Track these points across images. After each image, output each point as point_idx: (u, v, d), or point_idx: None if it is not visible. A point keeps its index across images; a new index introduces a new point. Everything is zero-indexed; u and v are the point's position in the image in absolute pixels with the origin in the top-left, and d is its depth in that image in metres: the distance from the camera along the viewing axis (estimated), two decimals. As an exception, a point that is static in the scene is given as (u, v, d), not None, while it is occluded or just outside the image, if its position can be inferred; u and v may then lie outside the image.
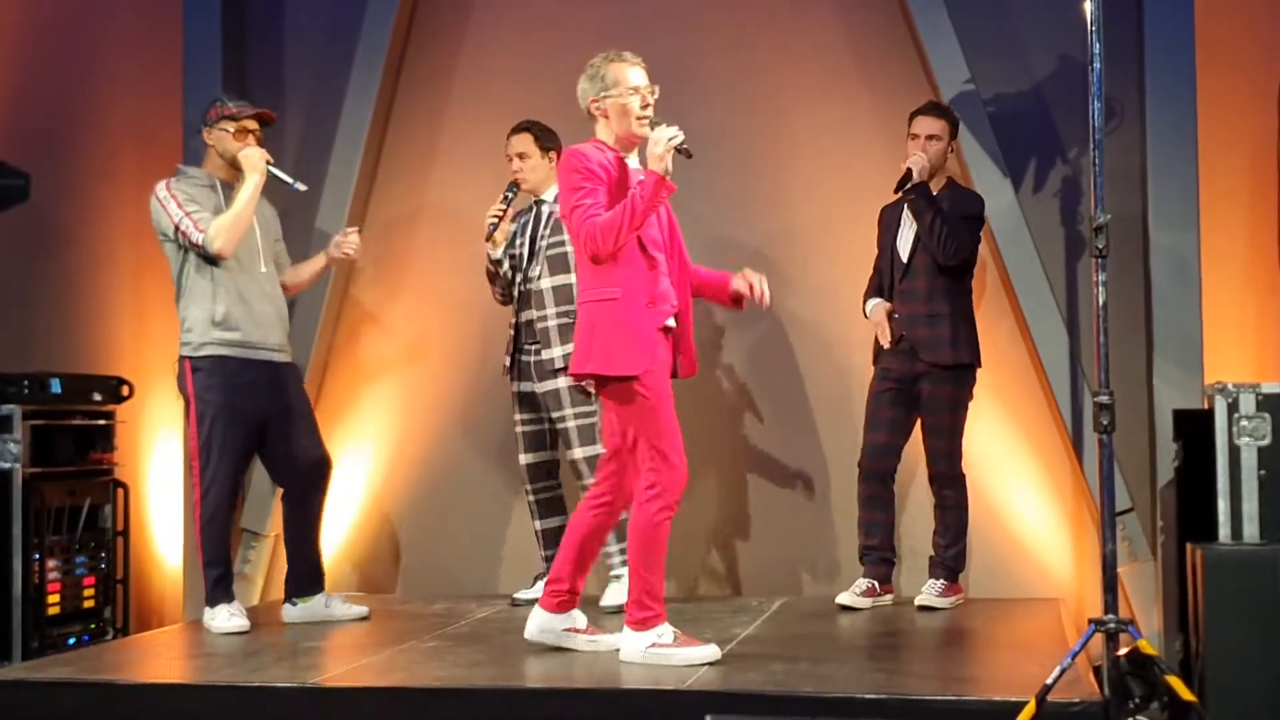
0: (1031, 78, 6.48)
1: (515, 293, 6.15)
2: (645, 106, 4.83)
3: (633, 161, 4.89)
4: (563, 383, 5.97)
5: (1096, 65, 4.48)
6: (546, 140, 6.15)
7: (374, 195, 7.03)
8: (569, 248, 5.96)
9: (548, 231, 6.06)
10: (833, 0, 6.73)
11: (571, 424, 5.99)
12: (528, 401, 6.16)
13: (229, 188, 5.69)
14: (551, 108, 6.32)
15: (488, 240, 6.09)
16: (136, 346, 7.12)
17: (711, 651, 4.68)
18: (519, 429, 6.20)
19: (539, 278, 6.03)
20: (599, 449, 5.99)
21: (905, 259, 5.94)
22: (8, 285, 6.56)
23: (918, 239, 5.89)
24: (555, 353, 5.96)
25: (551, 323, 5.99)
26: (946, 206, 5.87)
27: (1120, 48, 6.03)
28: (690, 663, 4.61)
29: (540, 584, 6.17)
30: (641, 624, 4.70)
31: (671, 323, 4.82)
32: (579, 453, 6.00)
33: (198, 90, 6.74)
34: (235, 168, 5.69)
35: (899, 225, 5.98)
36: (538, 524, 6.22)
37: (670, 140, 4.66)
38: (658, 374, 4.71)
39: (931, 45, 6.41)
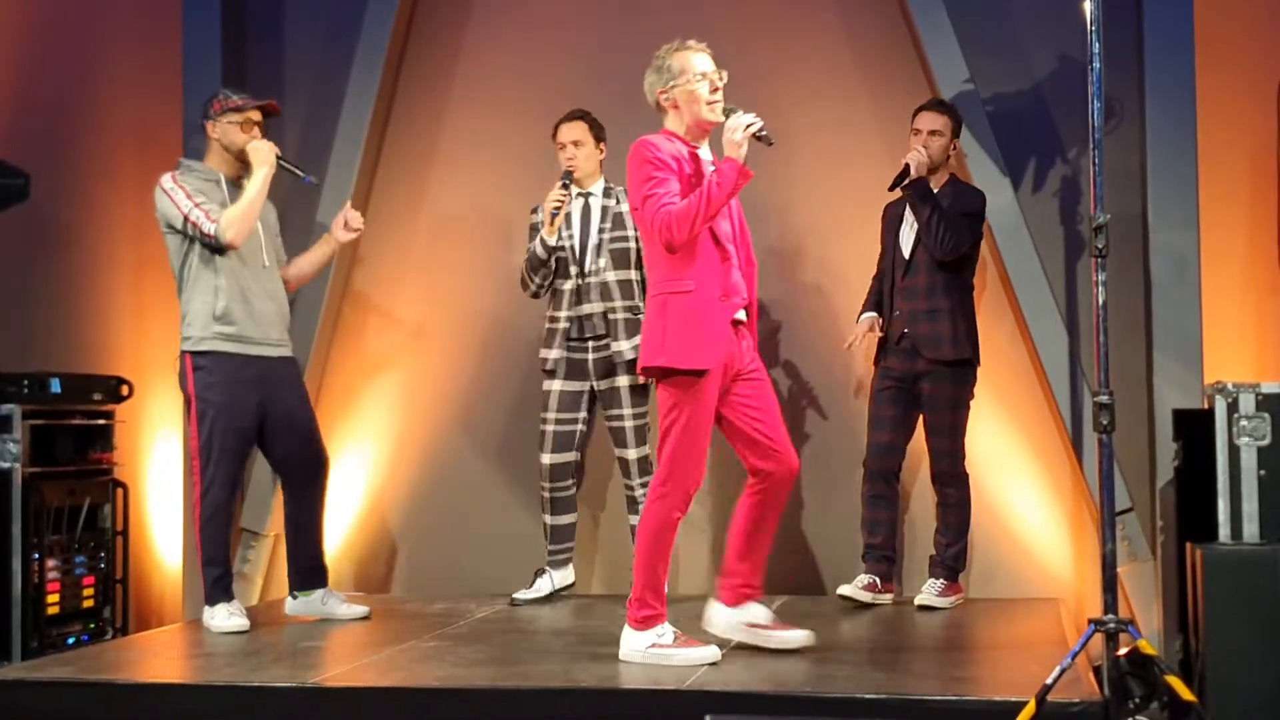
0: (1031, 77, 6.48)
1: (577, 284, 6.10)
2: (714, 91, 4.76)
3: (705, 153, 4.83)
4: (623, 381, 6.04)
5: (1096, 65, 4.48)
6: (599, 130, 6.18)
7: (374, 194, 7.02)
8: (632, 243, 6.01)
9: (608, 225, 6.09)
10: (832, 0, 6.73)
11: (629, 424, 6.05)
12: (568, 400, 6.15)
13: (232, 184, 5.70)
14: (551, 106, 6.32)
15: (550, 225, 6.03)
16: (136, 346, 7.12)
17: (712, 652, 4.68)
18: (550, 427, 6.16)
19: (603, 270, 6.05)
20: (649, 449, 6.04)
21: (907, 255, 5.95)
22: (8, 285, 6.56)
23: (919, 235, 5.89)
24: (624, 345, 6.02)
25: (620, 315, 6.04)
26: (948, 203, 5.87)
27: (1120, 47, 6.03)
28: (690, 663, 4.60)
29: (540, 581, 6.18)
30: (643, 623, 4.70)
31: (742, 315, 4.77)
32: (633, 453, 6.06)
33: (198, 90, 6.74)
34: (241, 161, 5.69)
35: (902, 222, 5.98)
36: (548, 519, 6.22)
37: (748, 127, 4.59)
38: (716, 374, 4.66)
39: (931, 45, 6.41)
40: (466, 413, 6.90)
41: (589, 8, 6.93)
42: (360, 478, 6.95)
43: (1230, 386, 5.21)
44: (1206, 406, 5.41)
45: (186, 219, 5.55)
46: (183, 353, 5.63)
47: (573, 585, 6.30)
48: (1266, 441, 5.15)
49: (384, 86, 6.90)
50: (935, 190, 5.91)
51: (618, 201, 6.13)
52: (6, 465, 6.05)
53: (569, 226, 6.14)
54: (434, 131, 7.02)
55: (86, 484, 6.45)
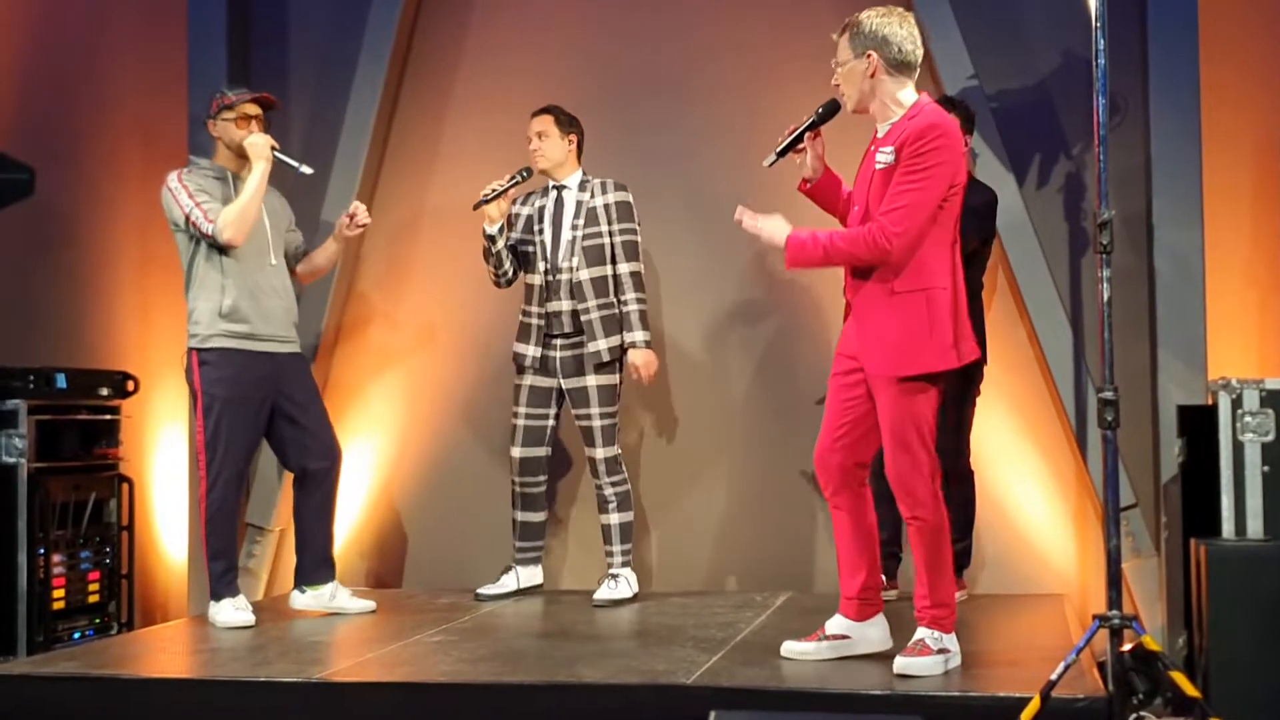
0: (1035, 74, 6.48)
1: (545, 280, 6.11)
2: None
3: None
4: (592, 380, 6.04)
5: (1101, 61, 4.47)
6: (566, 122, 6.16)
7: (379, 188, 7.03)
8: (605, 239, 6.06)
9: (581, 222, 6.07)
10: (836, -5, 6.73)
11: (597, 423, 6.05)
12: (538, 396, 6.16)
13: (240, 179, 5.71)
14: (556, 99, 6.31)
15: (475, 208, 6.03)
16: (141, 341, 7.13)
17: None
18: (520, 421, 6.18)
19: (576, 269, 6.04)
20: (617, 449, 6.05)
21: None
22: (13, 280, 6.57)
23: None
24: (601, 345, 6.03)
25: (595, 315, 6.03)
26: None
27: (1124, 44, 6.03)
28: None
29: (505, 577, 6.20)
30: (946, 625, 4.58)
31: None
32: (600, 452, 6.06)
33: (203, 83, 6.75)
34: (243, 157, 5.71)
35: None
36: (518, 515, 6.23)
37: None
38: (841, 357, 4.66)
39: (935, 40, 6.40)
40: (471, 407, 6.91)
41: (594, 3, 6.93)
42: (366, 473, 6.96)
43: (1234, 382, 5.22)
44: (1210, 402, 5.42)
45: (188, 218, 5.58)
46: (190, 349, 5.64)
47: (540, 586, 6.30)
48: (1270, 437, 5.15)
49: (389, 82, 6.90)
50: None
51: (593, 195, 6.11)
52: (12, 460, 6.06)
53: (540, 221, 6.14)
54: (439, 127, 7.02)
55: (92, 479, 6.46)
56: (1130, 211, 6.14)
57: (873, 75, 4.52)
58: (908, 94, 4.57)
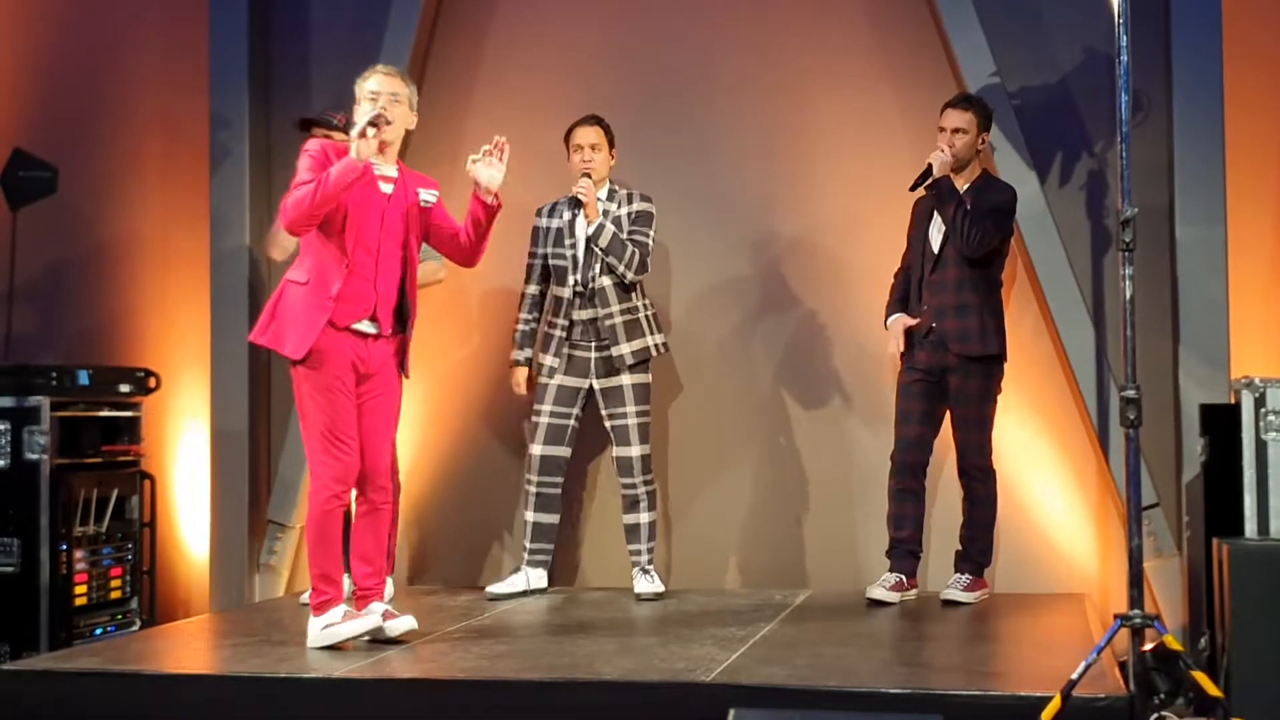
0: (1058, 70, 6.46)
1: (575, 291, 6.16)
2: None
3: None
4: (627, 380, 6.11)
5: (1123, 58, 4.46)
6: (612, 137, 6.24)
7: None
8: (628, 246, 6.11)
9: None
10: (858, -8, 6.72)
11: (632, 421, 6.11)
12: (565, 394, 6.19)
13: None
14: (576, 102, 6.32)
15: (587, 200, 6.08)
16: (163, 338, 7.14)
17: (371, 621, 4.99)
18: (543, 420, 6.20)
19: (599, 275, 6.10)
20: (649, 448, 6.14)
21: (935, 250, 5.93)
22: (36, 277, 6.60)
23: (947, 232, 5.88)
24: (624, 349, 6.11)
25: (618, 320, 6.11)
26: (976, 199, 5.85)
27: (1147, 40, 6.02)
28: (356, 633, 4.96)
29: (515, 577, 6.24)
30: (319, 608, 5.00)
31: (366, 328, 5.01)
32: (635, 450, 6.12)
33: (224, 82, 6.77)
34: None
35: (931, 217, 5.97)
36: (530, 516, 6.24)
37: (364, 120, 4.88)
38: (323, 367, 4.94)
39: (957, 37, 6.39)
40: (489, 405, 6.90)
41: (614, 3, 6.92)
42: (385, 470, 6.96)
43: (1257, 381, 5.21)
44: (1233, 401, 5.40)
45: None
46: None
47: (544, 590, 6.30)
48: (1293, 437, 5.15)
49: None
50: (966, 185, 5.90)
51: (619, 205, 6.17)
52: (35, 457, 6.09)
53: (571, 234, 6.18)
54: (459, 126, 7.01)
55: (114, 475, 6.48)
56: (1153, 209, 6.11)
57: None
58: None
